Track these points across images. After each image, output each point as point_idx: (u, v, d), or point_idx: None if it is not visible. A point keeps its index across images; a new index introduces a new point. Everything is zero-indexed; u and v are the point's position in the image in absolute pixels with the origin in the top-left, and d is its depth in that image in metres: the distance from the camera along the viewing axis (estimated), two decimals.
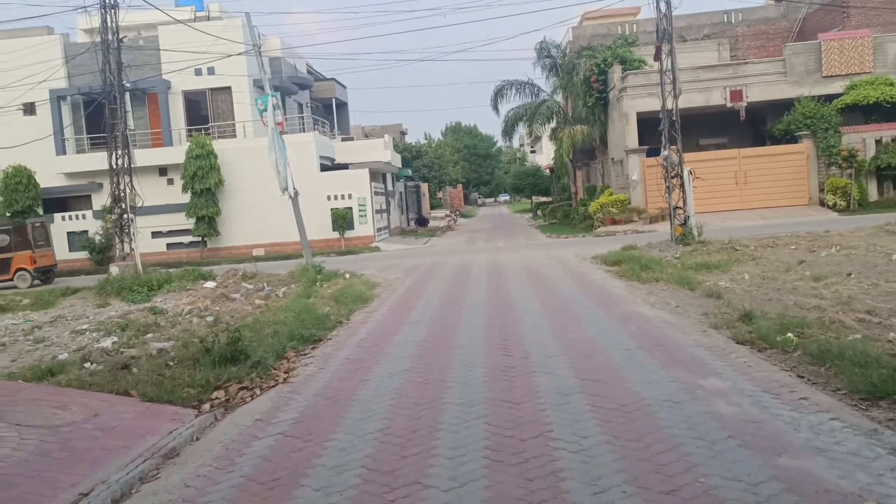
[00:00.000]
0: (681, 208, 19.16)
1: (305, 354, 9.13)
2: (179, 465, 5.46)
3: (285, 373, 8.14)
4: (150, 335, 13.98)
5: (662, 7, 18.47)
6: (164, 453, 5.67)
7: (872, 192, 27.85)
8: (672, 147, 19.41)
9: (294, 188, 20.43)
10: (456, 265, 20.17)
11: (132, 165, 21.95)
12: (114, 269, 21.54)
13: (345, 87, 48.01)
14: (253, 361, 8.33)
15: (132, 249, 22.06)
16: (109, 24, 21.11)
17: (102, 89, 21.53)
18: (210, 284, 20.08)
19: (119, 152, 21.63)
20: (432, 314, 11.41)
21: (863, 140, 27.85)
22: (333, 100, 44.81)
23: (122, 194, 21.71)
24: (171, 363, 9.21)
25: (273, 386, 7.58)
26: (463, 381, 7.03)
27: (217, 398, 7.32)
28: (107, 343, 12.71)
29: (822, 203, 28.05)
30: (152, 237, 31.35)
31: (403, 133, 71.52)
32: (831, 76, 29.54)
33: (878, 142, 27.84)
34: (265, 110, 19.82)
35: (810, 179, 28.76)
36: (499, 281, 15.23)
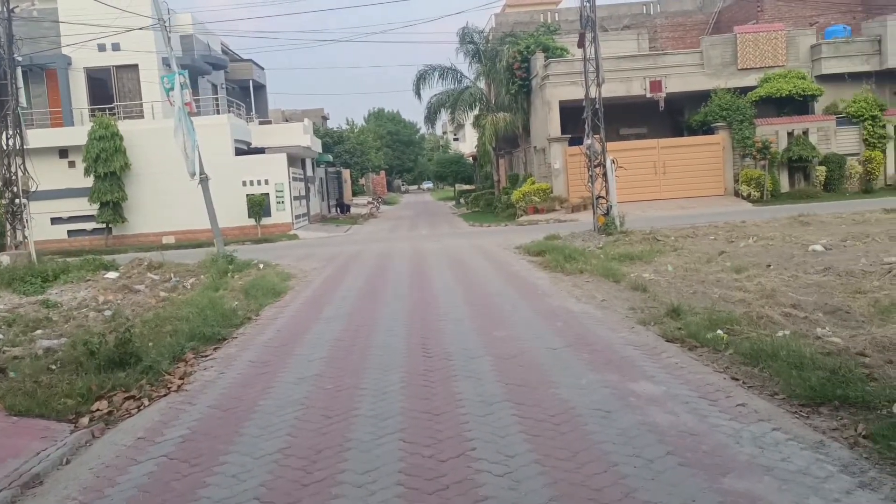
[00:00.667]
0: (603, 198, 18.99)
1: (206, 356, 8.32)
2: (40, 497, 4.64)
3: (180, 378, 7.32)
4: (39, 331, 12.83)
5: None
6: (24, 482, 4.83)
7: (784, 184, 28.55)
8: (595, 136, 19.21)
9: (204, 173, 19.27)
10: (377, 254, 19.48)
11: (25, 146, 20.23)
12: (4, 259, 19.87)
13: (263, 69, 46.38)
14: (144, 366, 7.48)
15: (25, 237, 20.42)
16: None
17: None
18: (112, 275, 18.78)
19: (10, 132, 19.93)
20: (349, 308, 10.72)
21: (776, 132, 28.50)
22: (251, 82, 43.16)
23: (14, 178, 20.03)
24: (54, 366, 8.26)
25: (164, 395, 6.76)
26: (378, 387, 6.40)
27: (98, 410, 6.47)
28: None
29: (738, 193, 28.60)
30: (52, 224, 29.39)
31: (325, 118, 69.98)
32: (746, 69, 30.10)
33: (790, 134, 28.54)
34: (172, 89, 18.59)
35: (726, 170, 29.28)
36: (421, 272, 14.64)
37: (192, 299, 13.11)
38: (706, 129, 30.06)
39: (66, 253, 27.72)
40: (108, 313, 14.13)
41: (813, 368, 5.94)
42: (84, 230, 29.64)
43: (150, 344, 9.00)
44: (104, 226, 29.04)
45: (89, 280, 18.59)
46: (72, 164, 29.35)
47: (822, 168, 28.23)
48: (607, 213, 18.91)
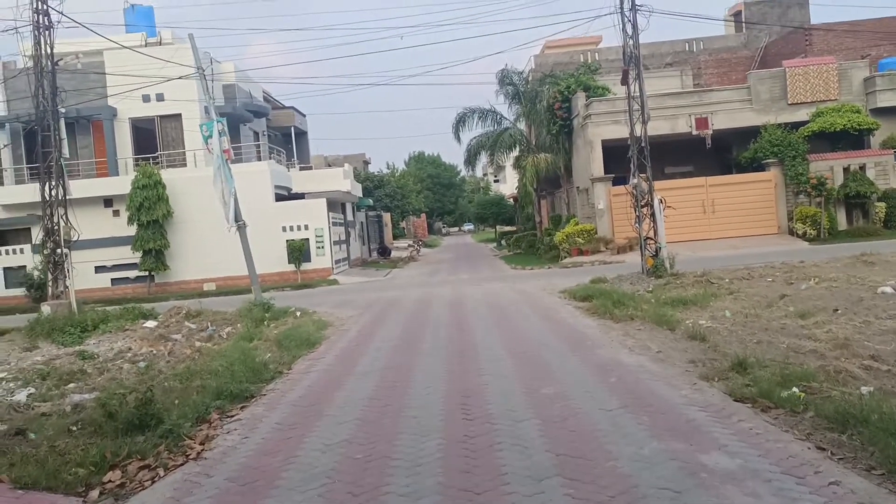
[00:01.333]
0: (651, 239, 18.20)
1: (232, 417, 7.76)
2: None
3: (201, 444, 6.76)
4: (71, 385, 12.53)
5: (629, 29, 17.64)
6: None
7: (841, 221, 27.32)
8: (641, 175, 18.50)
9: (241, 219, 19.04)
10: (416, 300, 18.92)
11: (67, 196, 20.31)
12: (45, 309, 19.82)
13: (304, 116, 46.79)
14: (164, 429, 6.96)
15: (66, 287, 20.38)
16: (43, 46, 19.63)
17: (35, 115, 19.94)
18: (150, 324, 18.56)
19: (52, 182, 20.04)
20: (385, 362, 10.11)
21: (830, 168, 27.39)
22: (292, 128, 43.50)
23: (56, 227, 20.08)
24: (75, 427, 7.82)
25: (181, 464, 6.20)
26: (412, 457, 5.74)
27: (111, 481, 5.93)
28: (21, 396, 11.23)
29: (792, 232, 27.44)
30: (96, 272, 29.58)
31: (367, 162, 70.45)
32: (797, 103, 29.18)
33: (845, 169, 27.40)
34: (210, 136, 18.51)
35: (779, 208, 28.18)
36: (460, 319, 13.99)
37: (225, 350, 12.69)
38: (756, 166, 29.09)
39: (110, 301, 27.78)
40: (141, 365, 13.81)
41: None
42: (127, 278, 29.73)
43: (176, 402, 8.53)
44: (147, 273, 29.10)
45: (128, 329, 18.40)
46: (116, 213, 29.61)
47: (882, 204, 26.96)
48: (656, 255, 18.09)
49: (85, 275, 29.46)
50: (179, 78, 23.34)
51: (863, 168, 27.29)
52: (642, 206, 18.19)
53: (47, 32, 19.77)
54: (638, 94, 17.82)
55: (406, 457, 5.77)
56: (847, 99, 28.82)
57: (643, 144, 18.18)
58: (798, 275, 16.57)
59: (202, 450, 6.57)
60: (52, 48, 19.83)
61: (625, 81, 18.15)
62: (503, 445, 5.83)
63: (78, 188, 29.27)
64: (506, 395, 7.56)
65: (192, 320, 18.67)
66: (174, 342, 16.78)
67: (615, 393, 7.32)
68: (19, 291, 28.75)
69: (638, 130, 18.44)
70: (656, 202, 17.95)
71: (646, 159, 18.15)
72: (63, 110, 20.43)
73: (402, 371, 9.33)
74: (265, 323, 16.52)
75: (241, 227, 19.10)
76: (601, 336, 10.82)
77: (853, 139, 28.24)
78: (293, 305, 19.17)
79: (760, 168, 28.77)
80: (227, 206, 18.83)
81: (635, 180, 18.11)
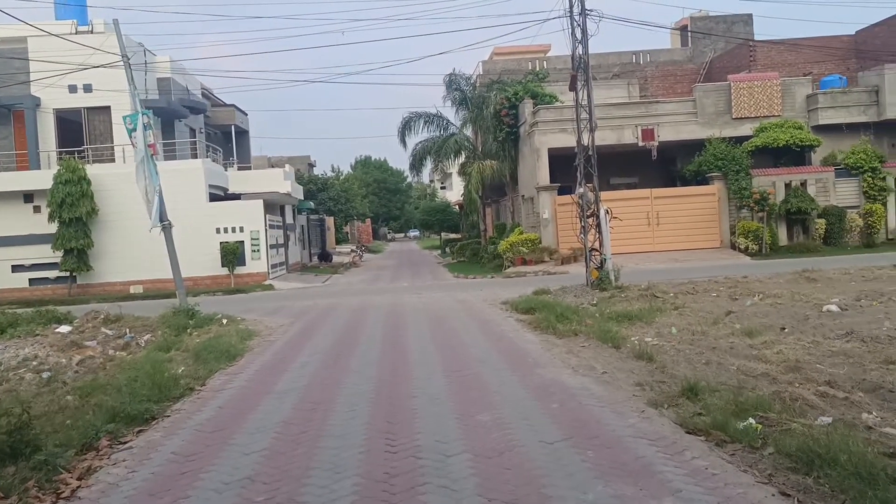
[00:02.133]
0: (597, 250, 17.72)
1: (124, 444, 6.79)
2: None
3: (79, 478, 5.79)
4: None
5: (578, 34, 17.15)
6: None
7: (782, 237, 27.47)
8: (588, 185, 18.02)
9: (167, 219, 17.87)
10: (352, 309, 18.03)
11: None
12: None
13: (245, 115, 45.39)
14: (37, 461, 5.97)
15: None
16: None
17: None
18: (64, 329, 17.24)
19: None
20: (308, 379, 9.23)
21: (773, 183, 27.52)
22: (233, 127, 42.05)
23: None
24: None
25: None
26: (322, 502, 4.91)
27: None
28: None
29: (734, 246, 27.47)
30: (12, 271, 27.85)
31: (311, 165, 69.07)
32: (741, 118, 29.32)
33: (787, 185, 27.57)
34: (134, 129, 17.30)
35: (722, 222, 28.20)
36: (396, 332, 13.17)
37: (136, 362, 11.63)
38: (700, 179, 29.10)
39: (26, 303, 26.07)
40: (45, 375, 12.62)
41: (887, 482, 4.57)
42: (47, 278, 28.00)
43: (68, 422, 7.53)
44: (68, 274, 27.44)
45: (38, 335, 17.06)
46: (37, 210, 27.89)
47: (822, 221, 27.20)
48: (601, 267, 17.61)
49: (1, 274, 27.70)
50: (102, 66, 21.97)
51: (804, 184, 27.50)
52: (588, 217, 17.70)
53: None
54: (586, 101, 17.32)
55: (314, 501, 4.93)
56: (790, 115, 29.07)
57: (590, 153, 17.69)
58: (742, 290, 16.30)
59: (78, 486, 5.61)
60: None
61: (573, 87, 17.65)
62: (428, 487, 5.05)
63: None
64: (437, 421, 6.79)
65: (111, 326, 17.46)
66: (87, 350, 15.59)
67: (557, 421, 6.62)
68: None
69: (585, 139, 17.96)
70: (602, 213, 17.48)
71: (593, 168, 17.68)
72: None
73: (326, 389, 8.47)
74: (188, 331, 15.45)
75: (165, 228, 17.91)
76: (543, 353, 10.14)
77: (795, 155, 28.48)
78: (221, 312, 18.07)
79: (704, 181, 28.77)
80: (150, 204, 17.63)
81: (581, 189, 17.61)
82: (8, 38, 27.75)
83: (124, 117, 17.86)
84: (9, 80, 28.17)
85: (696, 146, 29.33)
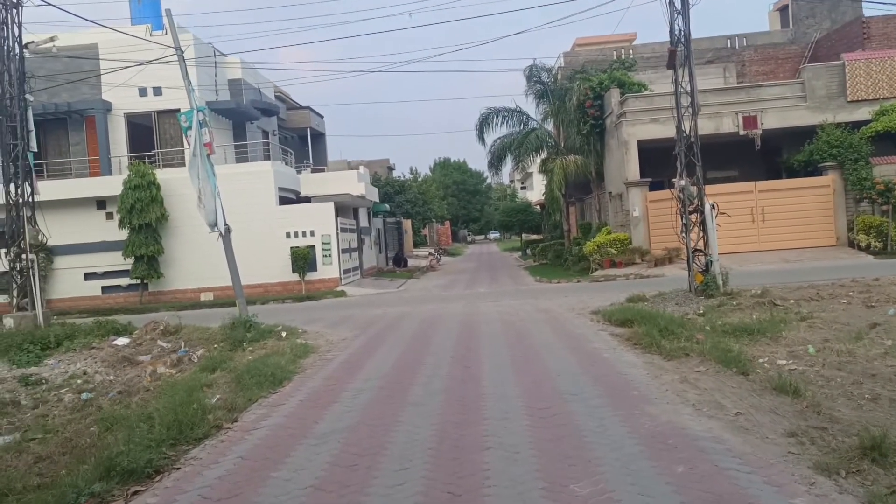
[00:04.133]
0: (701, 251, 15.42)
1: None
2: None
3: None
4: None
5: (677, 2, 14.92)
6: None
7: None
8: (688, 177, 15.73)
9: (226, 224, 16.61)
10: (424, 319, 16.31)
11: (35, 195, 18.01)
12: (7, 322, 17.58)
13: (321, 117, 44.57)
14: None
15: (34, 296, 18.08)
16: (10, 25, 17.43)
17: (0, 104, 17.69)
18: (121, 341, 16.24)
19: (19, 180, 17.79)
20: (357, 416, 7.48)
21: None
22: (308, 130, 41.27)
23: (22, 231, 17.81)
24: None
25: None
26: None
27: None
28: None
29: (853, 244, 24.40)
30: (86, 279, 27.43)
31: (391, 168, 68.22)
32: (857, 101, 26.15)
33: None
34: (189, 127, 16.10)
35: (837, 217, 25.14)
36: (469, 351, 11.31)
37: (176, 385, 10.23)
38: (811, 170, 26.11)
39: (97, 312, 25.55)
40: (85, 396, 11.44)
41: None
42: (119, 286, 27.49)
43: (64, 471, 6.07)
44: (139, 281, 26.83)
45: (94, 348, 16.13)
46: (109, 216, 27.41)
47: None
48: (706, 270, 15.30)
49: (74, 282, 27.35)
50: (152, 62, 20.99)
51: None
52: (690, 213, 15.42)
53: (14, 11, 17.57)
54: (687, 79, 15.05)
55: None
56: None
57: (692, 140, 15.41)
58: (878, 295, 13.72)
59: None
60: (20, 27, 17.62)
61: (671, 65, 15.41)
62: None
63: (71, 188, 27.22)
64: (517, 493, 4.91)
65: (169, 338, 16.36)
66: (138, 366, 14.45)
67: (688, 498, 4.63)
68: (3, 298, 26.64)
69: (686, 125, 15.68)
70: (707, 208, 15.17)
71: (696, 157, 15.39)
72: (31, 98, 18.12)
73: (375, 434, 6.70)
74: (243, 345, 14.11)
75: (225, 234, 16.64)
76: (650, 382, 8.09)
77: None
78: (284, 323, 16.72)
79: (816, 172, 25.79)
80: (207, 208, 16.38)
81: (682, 182, 15.34)
82: (79, 46, 27.36)
83: (179, 115, 16.70)
84: (81, 86, 27.85)
85: (805, 134, 26.37)
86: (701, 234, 15.40)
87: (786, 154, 28.36)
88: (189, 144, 16.39)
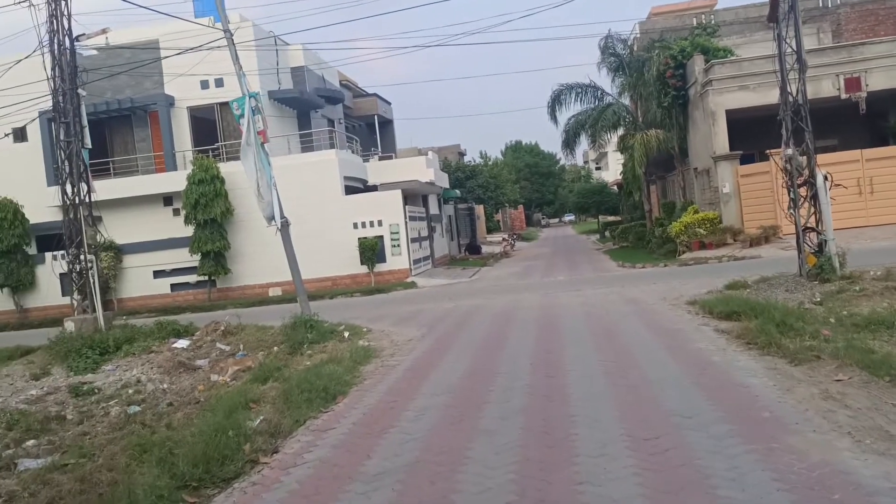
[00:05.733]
0: (813, 228, 13.46)
1: None
2: None
3: None
4: (31, 441, 9.50)
5: None
6: None
7: None
8: (795, 146, 13.75)
9: (284, 216, 15.58)
10: (498, 313, 14.90)
11: (91, 193, 17.38)
12: (68, 325, 17.04)
13: (389, 104, 43.53)
14: None
15: (94, 298, 17.52)
16: (59, 19, 16.80)
17: (53, 101, 17.11)
18: (182, 343, 15.49)
19: (74, 179, 17.19)
20: (417, 450, 6.10)
21: None
22: (376, 117, 40.31)
23: (80, 231, 17.24)
24: None
25: None
26: None
27: None
28: None
29: None
30: (154, 277, 27.14)
31: (462, 154, 66.91)
32: None
33: None
34: (242, 115, 15.09)
35: None
36: (550, 354, 9.83)
37: (220, 401, 9.18)
38: None
39: (167, 310, 25.15)
40: (132, 410, 10.60)
41: None
42: (188, 283, 27.09)
43: None
44: (207, 278, 26.33)
45: (153, 351, 15.45)
46: (176, 212, 27.00)
47: None
48: (819, 250, 13.35)
49: (143, 281, 27.08)
50: (202, 46, 20.13)
51: None
52: (799, 186, 13.47)
53: (63, 2, 16.92)
54: (795, 29, 13.05)
55: None
56: None
57: (801, 102, 13.43)
58: None
59: None
60: (69, 19, 16.98)
61: (773, 17, 13.44)
62: None
63: (135, 185, 26.90)
64: None
65: (230, 339, 15.51)
66: (195, 371, 13.59)
67: None
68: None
69: (792, 87, 13.69)
70: (820, 179, 13.19)
71: (805, 122, 13.42)
72: (84, 93, 17.46)
73: (437, 477, 5.34)
74: (303, 347, 13.05)
75: (283, 227, 15.62)
76: (782, 398, 6.45)
77: None
78: (348, 320, 15.65)
79: None
80: (264, 200, 15.38)
81: (790, 151, 13.39)
82: (139, 42, 26.91)
83: (231, 102, 15.75)
84: (144, 81, 27.48)
85: None
86: (812, 210, 13.44)
87: (893, 118, 25.64)
88: (242, 133, 15.39)
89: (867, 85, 23.95)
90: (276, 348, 13.62)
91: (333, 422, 7.34)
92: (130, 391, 12.16)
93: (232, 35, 15.16)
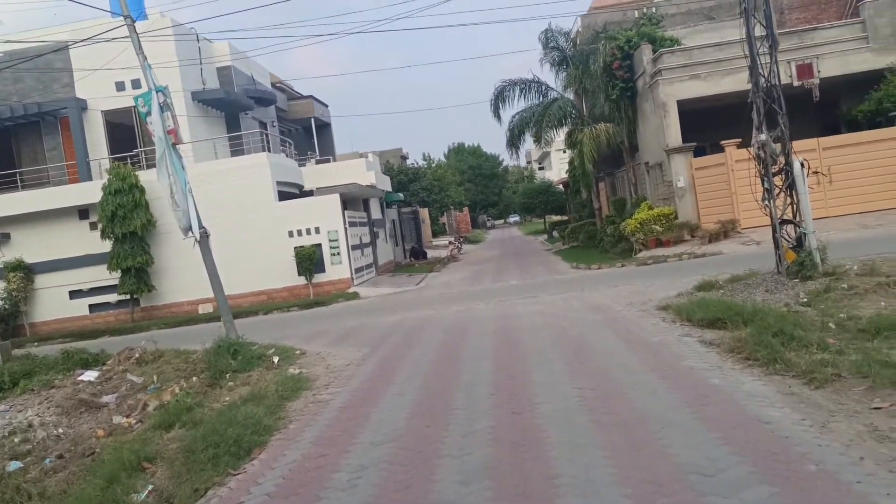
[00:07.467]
0: (792, 221, 12.27)
1: None
2: None
3: None
4: None
5: None
6: None
7: None
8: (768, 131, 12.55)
9: (202, 226, 13.73)
10: (449, 328, 13.32)
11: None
12: None
13: (326, 106, 41.60)
14: None
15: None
16: None
17: None
18: (89, 375, 13.53)
19: None
20: None
21: None
22: (313, 120, 38.34)
23: None
24: None
25: None
26: None
27: None
28: None
29: None
30: (71, 298, 24.72)
31: (404, 157, 65.25)
32: None
33: None
34: (149, 113, 13.19)
35: None
36: (514, 380, 8.25)
37: (112, 454, 7.41)
38: (878, 120, 22.78)
39: (86, 334, 22.85)
40: (12, 467, 8.72)
41: None
42: (108, 303, 24.76)
43: None
44: (129, 297, 24.07)
45: (56, 386, 13.41)
46: (93, 226, 24.64)
47: None
48: (797, 246, 12.17)
49: (59, 302, 24.66)
50: (101, 35, 18.09)
51: None
52: (774, 175, 12.27)
53: None
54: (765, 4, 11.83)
55: None
56: None
57: (774, 83, 12.23)
58: None
59: None
60: None
61: None
62: None
63: (47, 198, 24.46)
64: None
65: (145, 368, 13.57)
66: (98, 410, 11.66)
67: None
68: None
69: (765, 70, 12.49)
70: (797, 167, 12.01)
71: (779, 105, 12.23)
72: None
73: None
74: (226, 377, 11.28)
75: (202, 238, 13.77)
76: (822, 442, 4.99)
77: None
78: (280, 341, 13.90)
79: (886, 123, 22.47)
80: (179, 208, 13.51)
81: (763, 137, 12.18)
82: (49, 44, 24.52)
83: (136, 98, 13.82)
84: (53, 83, 25.11)
85: (868, 81, 23.04)
86: (789, 201, 12.25)
87: (845, 106, 25.03)
88: (151, 133, 13.47)
89: (819, 72, 23.15)
90: (195, 378, 11.79)
91: (242, 491, 5.62)
92: (17, 439, 10.19)
93: (133, 22, 13.28)
